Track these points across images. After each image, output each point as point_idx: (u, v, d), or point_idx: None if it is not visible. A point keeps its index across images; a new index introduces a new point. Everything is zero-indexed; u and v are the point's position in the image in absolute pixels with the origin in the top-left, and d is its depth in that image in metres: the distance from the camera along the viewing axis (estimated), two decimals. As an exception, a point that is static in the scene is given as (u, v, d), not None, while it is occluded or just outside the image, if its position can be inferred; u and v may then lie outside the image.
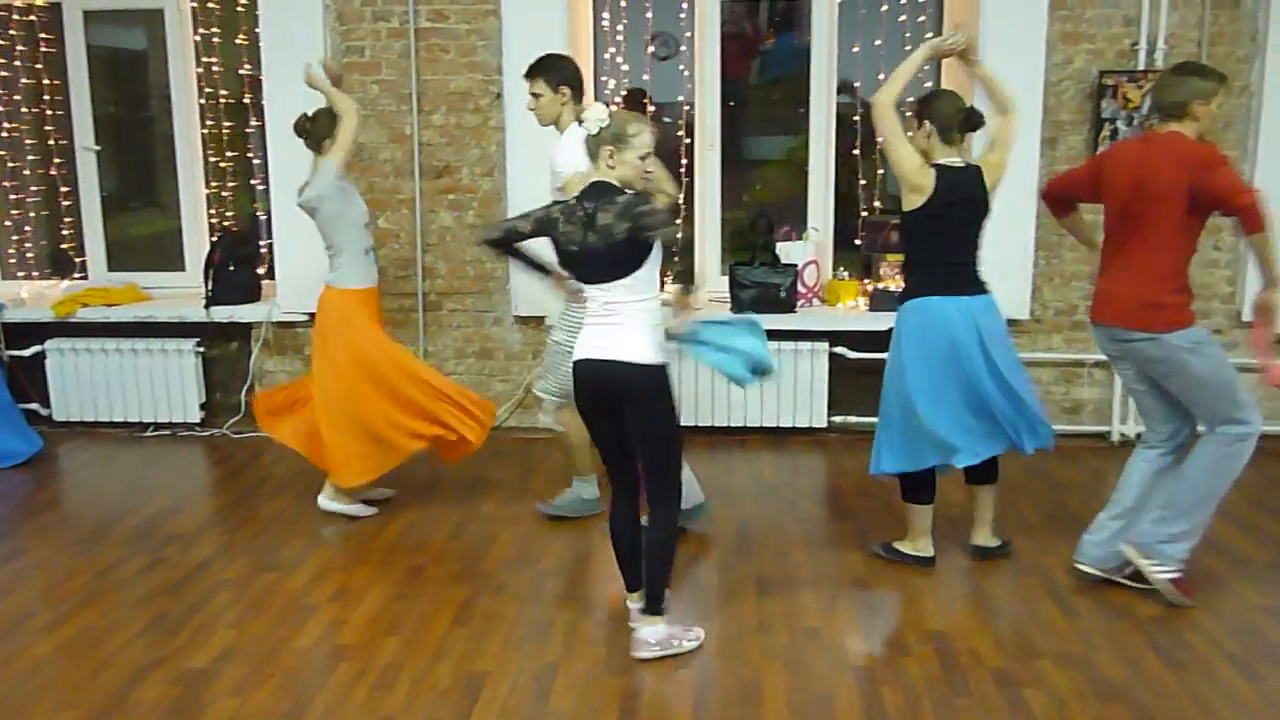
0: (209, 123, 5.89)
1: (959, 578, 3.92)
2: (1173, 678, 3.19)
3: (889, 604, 3.72)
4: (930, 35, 5.55)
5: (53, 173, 6.03)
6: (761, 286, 5.47)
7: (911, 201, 3.76)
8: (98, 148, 5.98)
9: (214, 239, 5.86)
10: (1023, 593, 3.80)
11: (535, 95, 4.21)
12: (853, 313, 5.52)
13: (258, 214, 5.98)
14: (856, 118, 5.66)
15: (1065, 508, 4.61)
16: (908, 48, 5.54)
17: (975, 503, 4.06)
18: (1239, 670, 3.23)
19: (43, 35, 5.89)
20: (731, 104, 5.81)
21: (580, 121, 3.28)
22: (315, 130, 4.40)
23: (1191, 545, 3.63)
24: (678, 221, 3.34)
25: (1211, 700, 3.07)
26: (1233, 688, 3.14)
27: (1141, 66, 5.18)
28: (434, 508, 4.65)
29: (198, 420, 5.76)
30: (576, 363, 3.31)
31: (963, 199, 3.76)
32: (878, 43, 5.57)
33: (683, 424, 3.48)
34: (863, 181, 5.74)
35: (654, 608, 3.35)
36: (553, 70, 4.20)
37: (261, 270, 5.88)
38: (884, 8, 5.55)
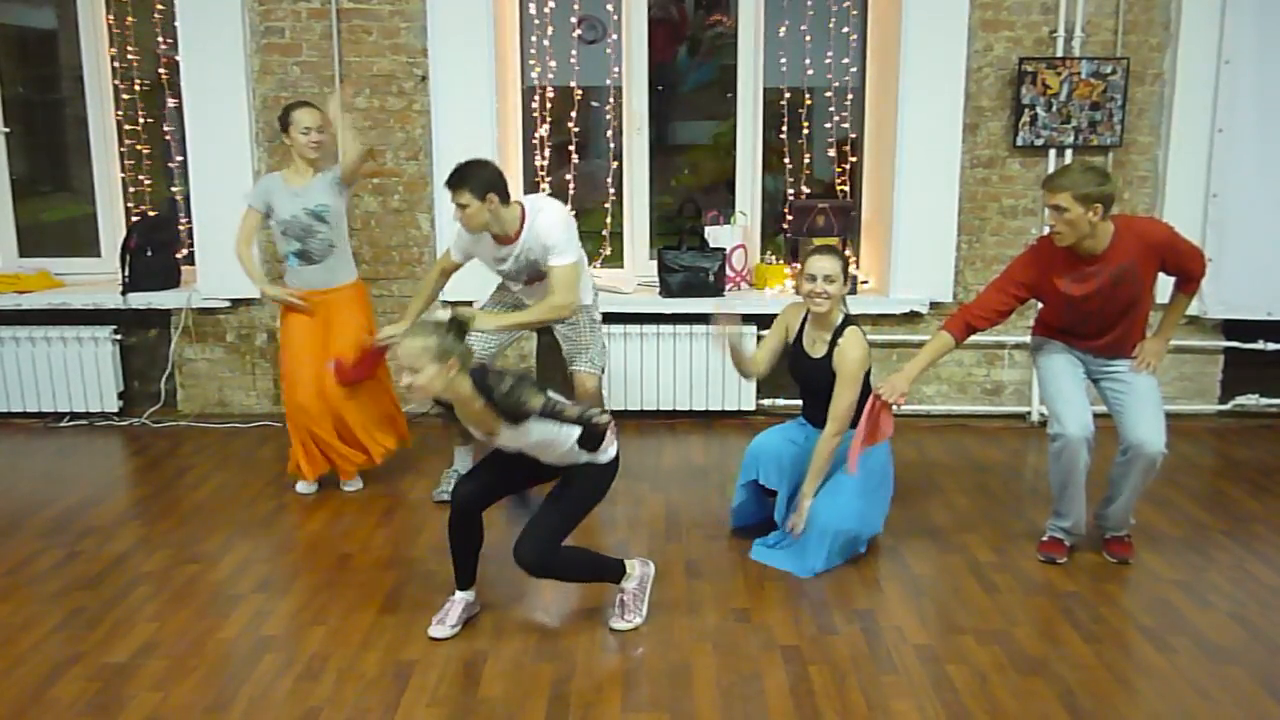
0: (123, 103, 5.74)
1: (884, 557, 3.98)
2: (1089, 651, 3.28)
3: (816, 584, 3.76)
4: (855, 14, 5.61)
5: (-42, 156, 5.83)
6: (689, 271, 5.50)
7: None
8: (6, 130, 5.78)
9: (130, 224, 5.71)
10: (945, 571, 3.87)
11: (462, 206, 3.92)
12: (780, 296, 5.56)
13: (175, 198, 5.84)
14: (784, 102, 5.71)
15: (987, 486, 4.70)
16: (833, 29, 5.61)
17: None
18: (1152, 643, 3.33)
19: (-54, 13, 5.70)
20: (660, 88, 5.81)
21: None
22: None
23: (1057, 523, 3.98)
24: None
25: (1126, 672, 3.16)
26: (1146, 660, 3.23)
27: (1060, 54, 5.29)
28: (361, 495, 4.59)
29: (116, 410, 5.63)
30: None
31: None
32: (803, 27, 5.62)
33: (613, 407, 3.47)
34: (789, 166, 5.78)
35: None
36: (477, 179, 3.90)
37: (180, 255, 5.75)
38: (809, -8, 5.60)
